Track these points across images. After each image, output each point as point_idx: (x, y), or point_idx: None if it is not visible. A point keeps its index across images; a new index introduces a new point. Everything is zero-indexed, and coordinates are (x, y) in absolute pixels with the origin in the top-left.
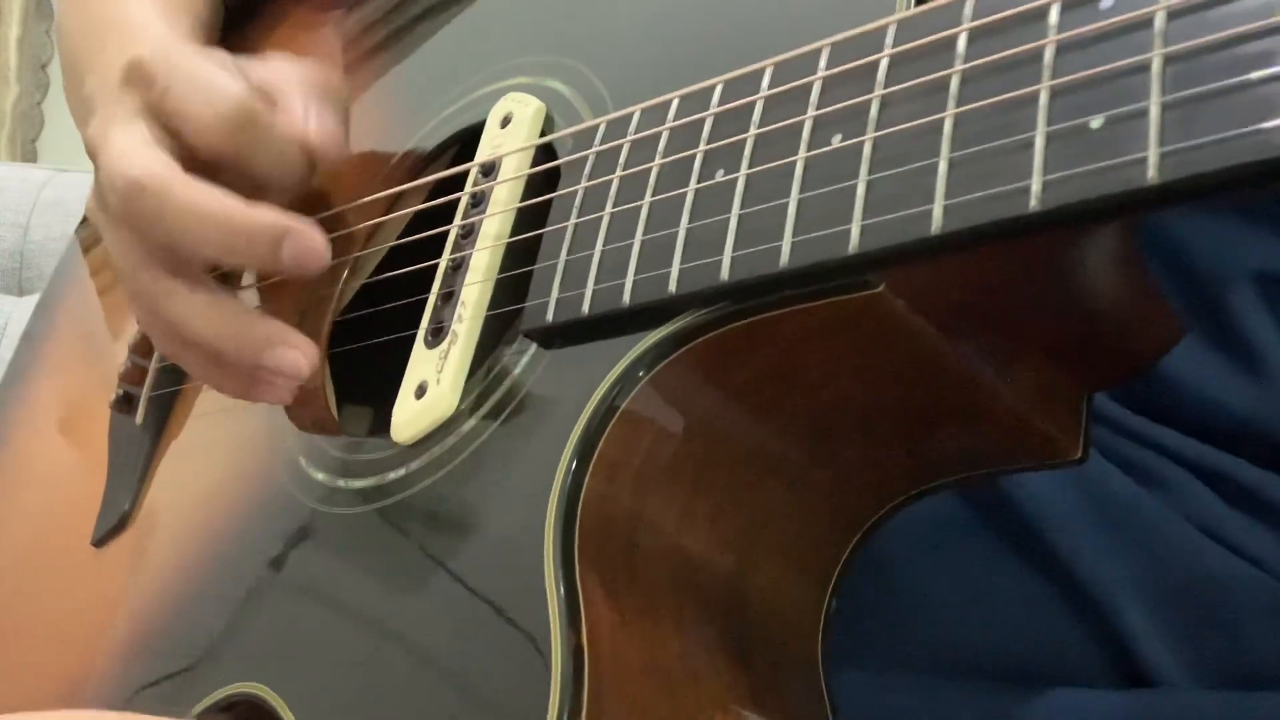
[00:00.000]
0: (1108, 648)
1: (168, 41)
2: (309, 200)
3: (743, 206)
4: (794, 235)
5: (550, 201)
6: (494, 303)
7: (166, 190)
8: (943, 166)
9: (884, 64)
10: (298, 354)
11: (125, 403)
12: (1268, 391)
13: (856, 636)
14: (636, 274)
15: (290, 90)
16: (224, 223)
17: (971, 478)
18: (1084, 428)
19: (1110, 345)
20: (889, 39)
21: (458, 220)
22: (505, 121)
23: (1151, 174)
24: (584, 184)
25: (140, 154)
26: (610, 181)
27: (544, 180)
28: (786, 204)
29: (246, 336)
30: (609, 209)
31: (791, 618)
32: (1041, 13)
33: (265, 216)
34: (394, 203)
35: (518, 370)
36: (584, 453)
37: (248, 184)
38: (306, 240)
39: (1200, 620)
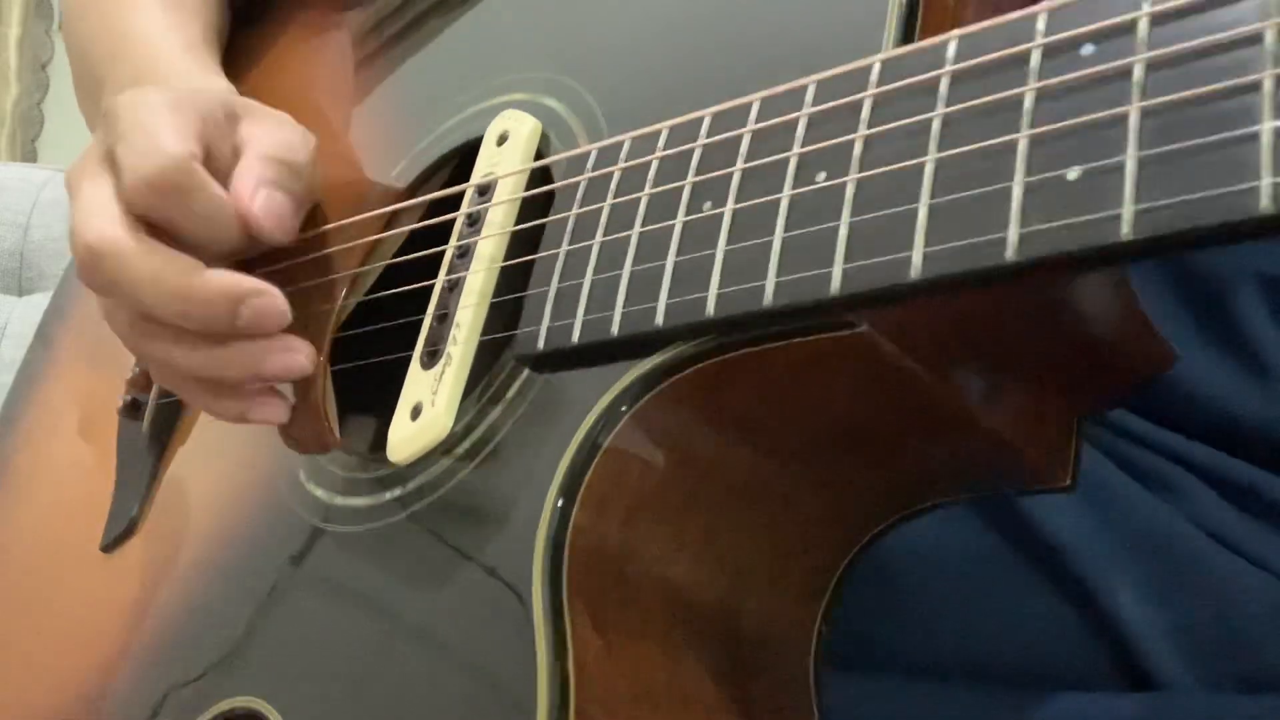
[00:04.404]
0: (1112, 651)
1: (165, 70)
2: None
3: (728, 242)
4: (778, 275)
5: (545, 224)
6: (488, 326)
7: (120, 259)
8: (922, 212)
9: (868, 103)
10: (297, 355)
11: (133, 409)
12: (1272, 395)
13: (860, 643)
14: (625, 306)
15: (250, 162)
16: (178, 292)
17: (961, 500)
18: (1074, 454)
19: (1099, 376)
20: (873, 77)
21: (453, 241)
22: (501, 139)
23: (1126, 230)
24: (575, 210)
25: (99, 216)
26: (601, 209)
27: (539, 202)
28: (771, 242)
29: (242, 354)
30: (599, 238)
31: (783, 639)
32: (1023, 58)
33: (220, 283)
34: (391, 219)
35: (511, 393)
36: (571, 486)
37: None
38: (264, 303)
39: (1206, 623)
